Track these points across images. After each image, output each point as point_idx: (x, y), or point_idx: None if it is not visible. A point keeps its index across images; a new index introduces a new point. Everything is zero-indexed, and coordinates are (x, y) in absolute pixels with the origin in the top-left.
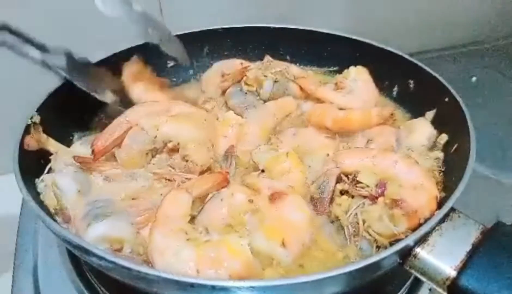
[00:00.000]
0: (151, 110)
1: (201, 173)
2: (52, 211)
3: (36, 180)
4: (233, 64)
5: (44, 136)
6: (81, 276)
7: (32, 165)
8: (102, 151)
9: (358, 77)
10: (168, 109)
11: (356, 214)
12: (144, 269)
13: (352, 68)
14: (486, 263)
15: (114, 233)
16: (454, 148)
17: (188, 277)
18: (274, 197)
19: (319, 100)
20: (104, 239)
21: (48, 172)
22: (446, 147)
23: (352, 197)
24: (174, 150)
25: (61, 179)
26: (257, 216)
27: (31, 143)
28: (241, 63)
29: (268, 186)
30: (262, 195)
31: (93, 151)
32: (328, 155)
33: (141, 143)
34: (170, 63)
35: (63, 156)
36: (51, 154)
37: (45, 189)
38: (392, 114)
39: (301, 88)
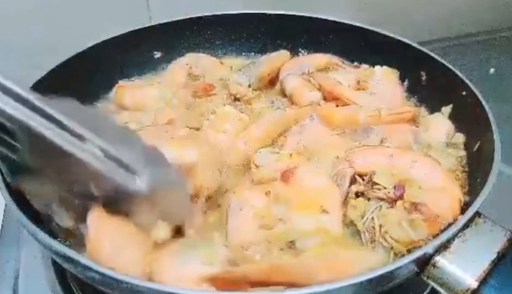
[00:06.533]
0: (149, 134)
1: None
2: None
3: None
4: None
5: None
6: (66, 290)
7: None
8: None
9: (385, 79)
10: (167, 131)
11: (372, 218)
12: (139, 282)
13: (378, 68)
14: (511, 274)
15: None
16: (476, 146)
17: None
18: (286, 176)
19: (338, 101)
20: None
21: None
22: (467, 146)
23: (369, 199)
24: None
25: None
26: (281, 202)
27: None
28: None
29: (275, 170)
30: (276, 181)
31: None
32: (338, 157)
33: None
34: (157, 54)
35: None
36: None
37: None
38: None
39: (319, 88)
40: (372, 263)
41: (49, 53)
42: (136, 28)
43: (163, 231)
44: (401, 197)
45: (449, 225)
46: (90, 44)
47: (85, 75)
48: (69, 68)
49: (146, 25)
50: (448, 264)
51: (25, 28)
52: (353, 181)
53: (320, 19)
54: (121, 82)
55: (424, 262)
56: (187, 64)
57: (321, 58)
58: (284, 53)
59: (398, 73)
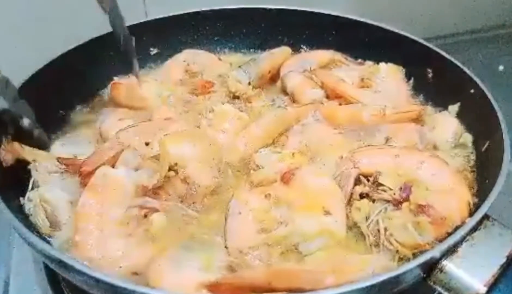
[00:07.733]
0: (145, 130)
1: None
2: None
3: (21, 199)
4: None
5: (17, 144)
6: None
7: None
8: (91, 175)
9: (390, 76)
10: (163, 127)
11: (377, 221)
12: (134, 287)
13: (383, 65)
14: None
15: None
16: (485, 146)
17: None
18: (286, 177)
19: (341, 99)
20: None
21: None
22: (476, 145)
23: (373, 201)
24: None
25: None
26: (282, 204)
27: (7, 157)
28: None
29: (274, 171)
30: (276, 183)
31: (80, 174)
32: (341, 157)
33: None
34: (154, 51)
35: (43, 163)
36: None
37: (34, 210)
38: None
39: (322, 85)
40: (377, 267)
41: (44, 49)
42: (132, 23)
43: (157, 222)
44: (407, 198)
45: (457, 228)
46: (84, 40)
47: (80, 71)
48: (64, 64)
49: (142, 21)
50: (455, 268)
51: (20, 25)
52: (357, 182)
53: (323, 14)
54: (116, 79)
55: (431, 266)
56: (184, 60)
57: (323, 55)
58: (285, 50)
59: (404, 70)
